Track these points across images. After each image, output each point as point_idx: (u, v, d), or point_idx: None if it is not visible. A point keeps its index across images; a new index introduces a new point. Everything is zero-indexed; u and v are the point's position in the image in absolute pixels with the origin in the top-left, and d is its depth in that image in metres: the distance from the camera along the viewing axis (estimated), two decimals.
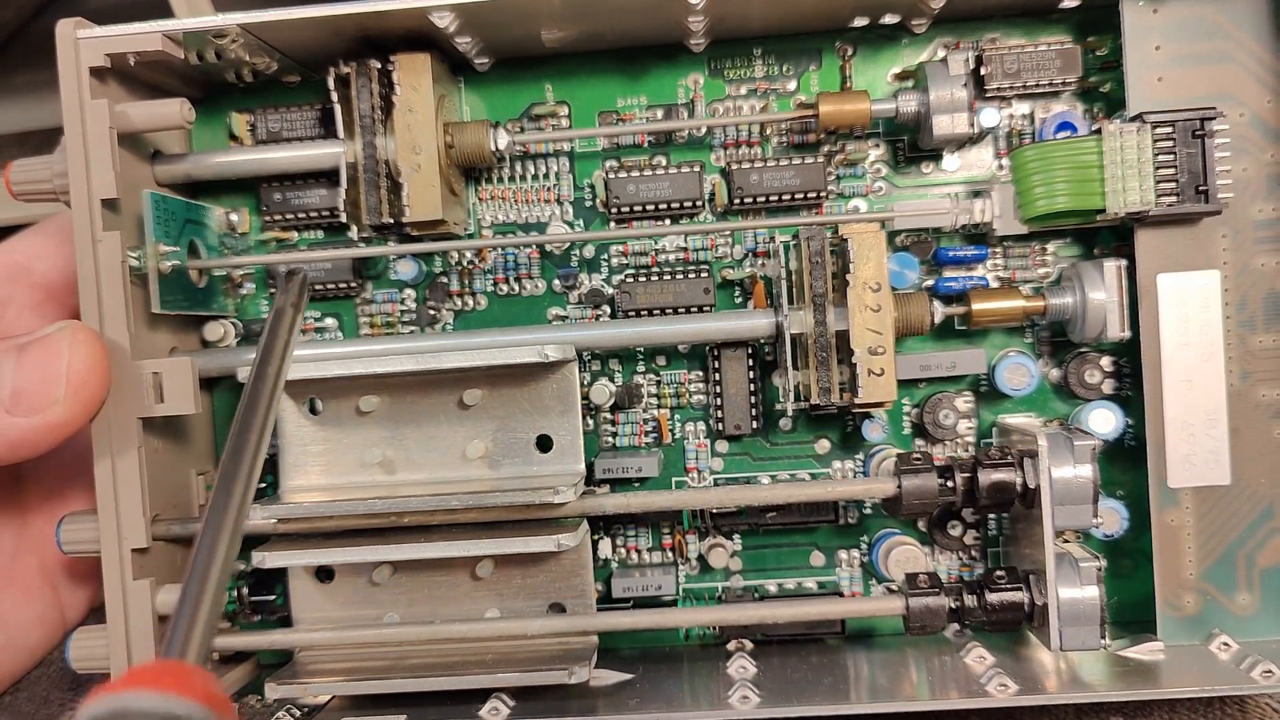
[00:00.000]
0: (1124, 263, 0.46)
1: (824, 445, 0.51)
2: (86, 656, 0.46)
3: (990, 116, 0.48)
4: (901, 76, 0.50)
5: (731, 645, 0.50)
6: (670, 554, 0.51)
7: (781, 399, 0.47)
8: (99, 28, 0.44)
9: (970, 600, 0.45)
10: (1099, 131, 0.45)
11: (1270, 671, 0.43)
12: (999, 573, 0.45)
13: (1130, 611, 0.49)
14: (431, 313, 0.51)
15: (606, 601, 0.51)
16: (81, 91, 0.43)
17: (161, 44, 0.44)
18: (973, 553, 0.50)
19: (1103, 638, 0.43)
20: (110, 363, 0.43)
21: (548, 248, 0.51)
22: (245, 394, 0.33)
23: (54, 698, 0.55)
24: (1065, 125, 0.48)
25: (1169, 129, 0.44)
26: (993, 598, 0.44)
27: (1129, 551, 0.49)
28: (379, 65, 0.47)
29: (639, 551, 0.51)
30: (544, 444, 0.47)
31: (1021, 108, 0.49)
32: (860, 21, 0.49)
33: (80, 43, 0.43)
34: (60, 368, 0.42)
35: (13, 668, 0.51)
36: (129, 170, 0.45)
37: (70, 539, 0.45)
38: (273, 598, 0.50)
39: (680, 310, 0.49)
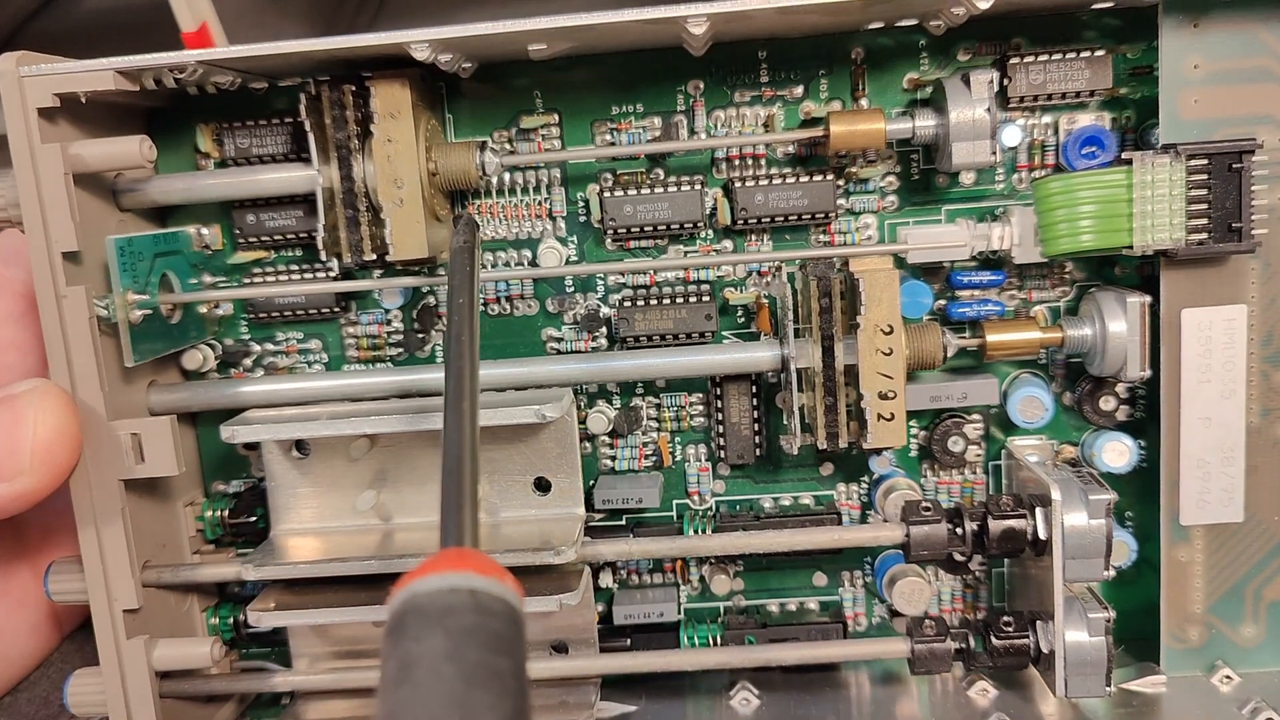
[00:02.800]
0: (1148, 300, 0.44)
1: (828, 469, 0.49)
2: (84, 703, 0.45)
3: (1013, 135, 0.45)
4: (917, 83, 0.46)
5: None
6: (672, 575, 0.50)
7: (786, 426, 0.46)
8: (46, 63, 0.40)
9: (975, 643, 0.44)
10: (1127, 161, 0.42)
11: (1272, 719, 0.43)
12: (1005, 618, 0.44)
13: (1132, 620, 0.49)
14: (419, 336, 0.49)
15: (607, 622, 0.50)
16: (30, 136, 0.40)
17: (114, 81, 0.40)
18: (977, 575, 0.50)
19: (1108, 685, 0.43)
20: (80, 427, 0.41)
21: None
22: (449, 324, 0.36)
23: (54, 698, 0.55)
24: (1092, 139, 0.45)
25: (1204, 160, 0.41)
26: (999, 643, 0.44)
27: (1134, 563, 0.49)
28: (353, 88, 0.43)
29: (639, 574, 0.51)
30: (542, 485, 0.46)
31: (1045, 118, 0.46)
32: (874, 25, 0.45)
33: (25, 81, 0.39)
34: (26, 436, 0.40)
35: (8, 675, 0.50)
36: (89, 207, 0.42)
37: (59, 589, 0.44)
38: (272, 630, 0.49)
39: (681, 337, 0.47)
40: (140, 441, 0.42)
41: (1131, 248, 0.42)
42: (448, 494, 0.29)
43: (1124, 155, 0.44)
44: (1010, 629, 0.44)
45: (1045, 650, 0.43)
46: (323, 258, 0.44)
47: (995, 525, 0.43)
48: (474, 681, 0.23)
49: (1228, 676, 0.46)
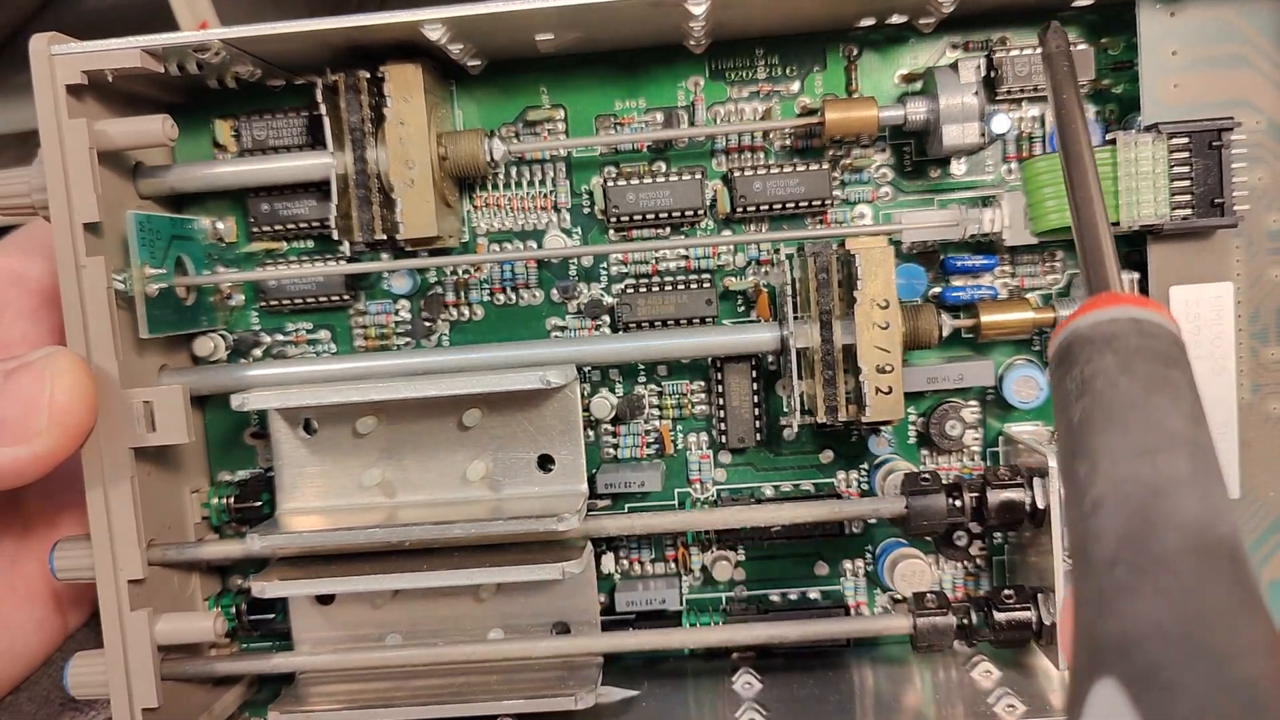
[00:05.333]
0: (1135, 276, 0.45)
1: (828, 455, 0.50)
2: (85, 683, 0.45)
3: (1001, 123, 0.46)
4: (909, 78, 0.48)
5: (736, 655, 0.50)
6: (674, 565, 0.51)
7: (786, 412, 0.46)
8: (75, 43, 0.42)
9: (978, 618, 0.44)
10: (1112, 141, 0.44)
11: None
12: (1007, 591, 0.44)
13: None
14: (427, 324, 0.50)
15: (610, 612, 0.50)
16: (59, 111, 0.41)
17: (141, 60, 0.42)
18: (978, 561, 0.50)
19: None
20: (97, 392, 0.42)
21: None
22: (1059, 117, 0.35)
23: (54, 697, 0.54)
24: None
25: (1185, 139, 0.43)
26: (1000, 616, 0.44)
27: None
28: (368, 75, 0.45)
29: (642, 564, 0.51)
30: (545, 463, 0.47)
31: (1032, 110, 0.48)
32: (866, 22, 0.47)
33: (55, 59, 0.41)
34: (44, 398, 0.41)
35: (13, 673, 0.50)
36: (111, 188, 0.43)
37: (64, 566, 0.44)
38: (272, 616, 0.49)
39: (682, 321, 0.48)
40: (152, 410, 0.43)
41: (1118, 224, 0.44)
42: (1090, 249, 0.31)
43: (1109, 136, 0.45)
44: (1012, 601, 0.44)
45: (1047, 623, 0.44)
46: (335, 237, 0.46)
47: (994, 496, 0.44)
48: (1151, 388, 0.25)
49: None
